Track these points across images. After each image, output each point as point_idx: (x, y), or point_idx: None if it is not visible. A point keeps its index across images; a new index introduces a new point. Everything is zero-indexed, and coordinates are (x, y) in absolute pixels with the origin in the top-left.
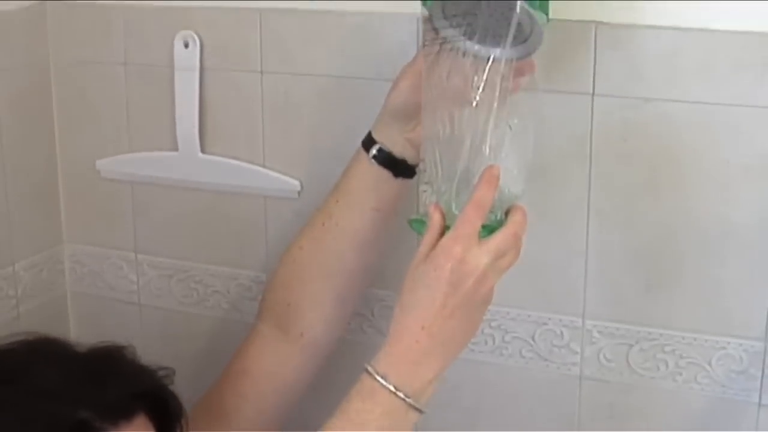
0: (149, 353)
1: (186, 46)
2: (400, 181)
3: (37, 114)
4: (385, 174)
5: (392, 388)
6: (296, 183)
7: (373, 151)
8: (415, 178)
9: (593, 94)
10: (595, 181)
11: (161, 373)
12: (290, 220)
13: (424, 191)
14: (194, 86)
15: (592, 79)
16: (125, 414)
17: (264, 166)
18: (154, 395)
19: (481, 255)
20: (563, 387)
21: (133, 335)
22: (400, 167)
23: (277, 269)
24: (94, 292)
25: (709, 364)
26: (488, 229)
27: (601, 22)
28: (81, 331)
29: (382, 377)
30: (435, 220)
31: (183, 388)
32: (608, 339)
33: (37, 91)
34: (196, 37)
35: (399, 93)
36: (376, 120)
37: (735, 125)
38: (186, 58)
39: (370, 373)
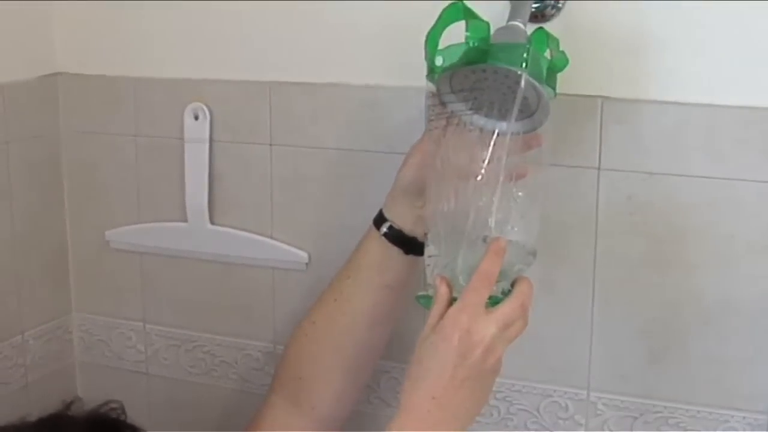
0: (156, 423)
1: (196, 118)
2: (411, 258)
3: (47, 184)
4: (396, 251)
5: None
6: (304, 255)
7: (384, 229)
8: None
9: (599, 168)
10: (601, 254)
11: (110, 406)
12: (298, 291)
13: (428, 265)
14: (204, 158)
15: (598, 154)
16: None
17: (272, 238)
18: (114, 430)
19: (489, 325)
20: None
21: (140, 405)
22: (410, 245)
23: (288, 343)
24: (102, 362)
25: None
26: (495, 301)
27: (607, 97)
28: (89, 401)
29: None
30: (442, 292)
31: None
32: (613, 411)
33: (47, 161)
34: (206, 110)
35: (409, 169)
36: (387, 197)
37: (739, 200)
38: (196, 130)
39: None
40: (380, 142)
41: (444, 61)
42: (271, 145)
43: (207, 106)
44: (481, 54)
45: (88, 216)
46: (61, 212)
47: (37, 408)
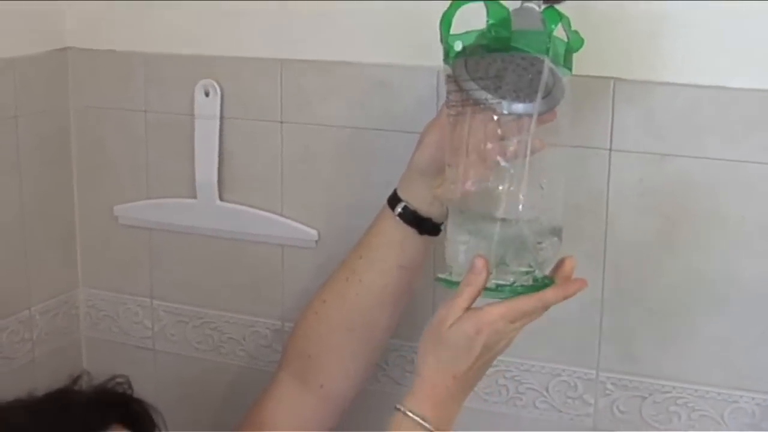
0: (163, 399)
1: (207, 94)
2: (425, 239)
3: (56, 159)
4: (410, 232)
5: (431, 428)
6: (314, 232)
7: (398, 209)
8: (440, 236)
9: (610, 149)
10: (611, 235)
11: (117, 380)
12: (307, 269)
13: (447, 247)
14: (214, 134)
15: (609, 135)
16: (99, 427)
17: (282, 215)
18: (120, 404)
19: (517, 327)
20: None
21: (147, 381)
22: (425, 225)
23: (299, 321)
24: (109, 337)
25: (722, 417)
26: (530, 288)
27: (620, 78)
28: (95, 376)
29: (422, 418)
30: (481, 279)
31: None
32: (622, 391)
33: (56, 136)
34: (217, 86)
35: (426, 149)
36: (401, 177)
37: (750, 182)
38: (206, 107)
39: (409, 415)
40: (391, 121)
41: (463, 46)
42: (281, 122)
43: (218, 82)
44: (502, 40)
45: (96, 191)
46: (70, 187)
47: (43, 383)
